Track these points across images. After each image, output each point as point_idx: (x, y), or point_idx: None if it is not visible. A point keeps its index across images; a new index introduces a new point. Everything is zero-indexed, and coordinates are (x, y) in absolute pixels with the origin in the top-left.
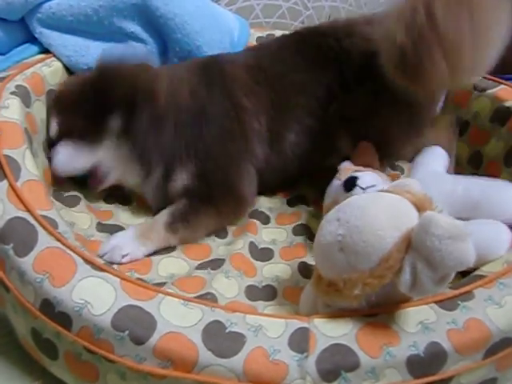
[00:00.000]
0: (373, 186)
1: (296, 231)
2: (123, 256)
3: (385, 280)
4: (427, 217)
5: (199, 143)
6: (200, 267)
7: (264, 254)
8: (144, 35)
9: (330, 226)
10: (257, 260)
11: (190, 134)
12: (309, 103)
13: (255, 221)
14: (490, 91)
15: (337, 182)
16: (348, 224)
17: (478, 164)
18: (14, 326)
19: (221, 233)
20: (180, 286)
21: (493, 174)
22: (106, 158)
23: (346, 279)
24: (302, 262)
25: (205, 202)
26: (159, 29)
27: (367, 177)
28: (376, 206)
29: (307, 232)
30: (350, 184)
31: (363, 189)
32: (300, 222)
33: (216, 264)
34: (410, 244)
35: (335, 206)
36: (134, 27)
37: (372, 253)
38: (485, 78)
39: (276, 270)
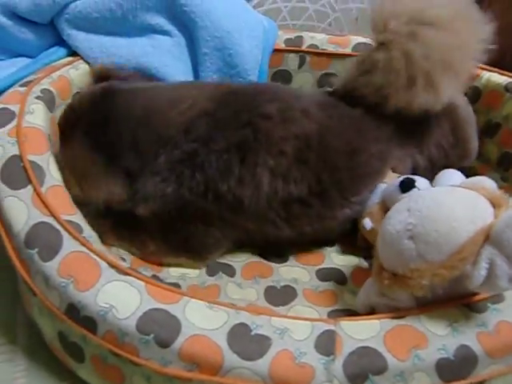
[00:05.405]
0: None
1: None
2: None
3: (456, 272)
4: None
5: None
6: (211, 273)
7: None
8: (169, 27)
9: (399, 216)
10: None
11: None
12: None
13: None
14: None
15: (383, 186)
16: (420, 213)
17: (508, 165)
18: (41, 328)
19: None
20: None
21: None
22: None
23: (414, 269)
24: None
25: None
26: (185, 19)
27: (422, 180)
28: (452, 197)
29: None
30: (409, 185)
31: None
32: None
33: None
34: (487, 238)
35: (404, 200)
36: (158, 19)
37: (444, 243)
38: None
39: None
